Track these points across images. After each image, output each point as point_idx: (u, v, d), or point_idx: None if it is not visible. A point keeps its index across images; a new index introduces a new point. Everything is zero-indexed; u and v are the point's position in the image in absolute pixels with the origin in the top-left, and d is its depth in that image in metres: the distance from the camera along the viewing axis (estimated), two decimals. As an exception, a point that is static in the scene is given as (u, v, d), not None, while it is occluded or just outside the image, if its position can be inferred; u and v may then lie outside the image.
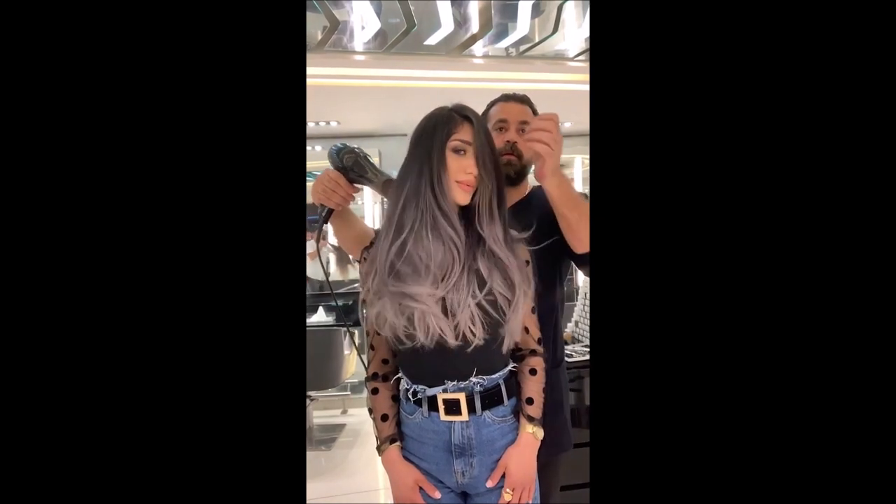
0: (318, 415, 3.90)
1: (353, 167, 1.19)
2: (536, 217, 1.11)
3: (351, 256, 1.12)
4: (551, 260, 1.24)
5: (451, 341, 0.97)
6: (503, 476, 1.05)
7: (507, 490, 1.04)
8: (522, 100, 1.40)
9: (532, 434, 1.06)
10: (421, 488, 1.06)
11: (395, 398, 1.11)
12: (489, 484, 1.04)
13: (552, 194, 1.11)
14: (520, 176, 1.34)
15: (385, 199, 1.18)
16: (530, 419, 1.06)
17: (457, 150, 1.00)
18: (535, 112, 1.38)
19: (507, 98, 1.40)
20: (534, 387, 1.08)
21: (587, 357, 1.93)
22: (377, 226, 1.41)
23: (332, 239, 4.78)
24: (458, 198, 1.01)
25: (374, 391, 1.11)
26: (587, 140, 5.20)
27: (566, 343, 2.22)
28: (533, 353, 1.11)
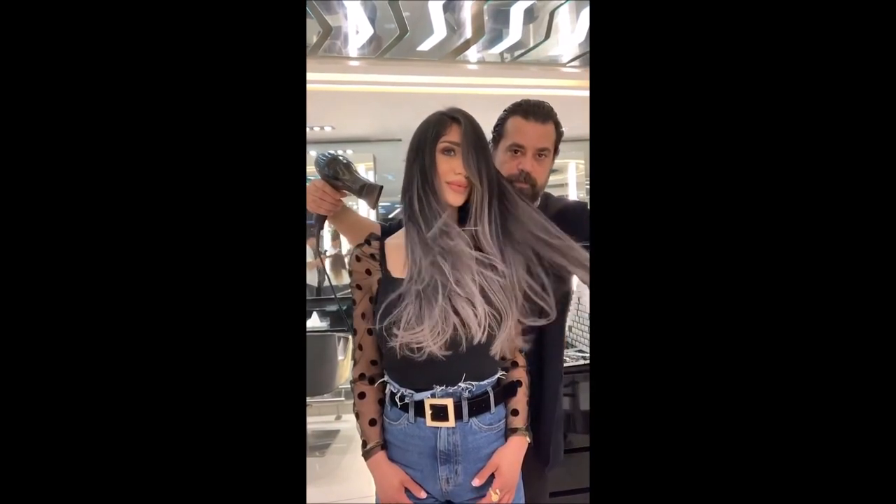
0: (312, 420, 3.88)
1: (331, 174, 1.23)
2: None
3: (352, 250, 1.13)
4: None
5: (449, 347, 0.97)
6: (491, 476, 1.04)
7: (496, 490, 1.02)
8: (546, 116, 1.22)
9: (523, 437, 1.06)
10: (407, 489, 1.05)
11: (382, 402, 1.10)
12: (476, 483, 1.03)
13: None
14: (532, 199, 1.22)
15: (364, 203, 1.22)
16: (516, 430, 1.06)
17: (446, 152, 1.01)
18: (559, 130, 1.25)
19: (527, 114, 1.22)
20: (520, 398, 1.09)
21: (580, 362, 1.94)
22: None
23: (330, 249, 4.80)
24: (451, 199, 1.02)
25: (361, 395, 1.10)
26: (581, 145, 5.22)
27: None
28: (515, 364, 1.11)
